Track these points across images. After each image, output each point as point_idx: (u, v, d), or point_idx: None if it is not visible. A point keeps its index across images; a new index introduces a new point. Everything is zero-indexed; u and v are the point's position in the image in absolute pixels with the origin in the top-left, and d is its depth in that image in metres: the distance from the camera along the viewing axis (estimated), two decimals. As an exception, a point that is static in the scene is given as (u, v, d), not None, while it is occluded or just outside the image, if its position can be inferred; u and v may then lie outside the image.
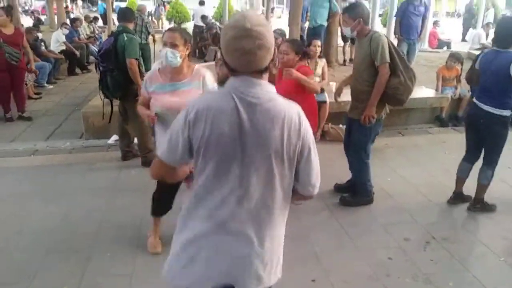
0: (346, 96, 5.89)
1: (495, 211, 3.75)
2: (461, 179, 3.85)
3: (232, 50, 1.40)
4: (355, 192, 3.89)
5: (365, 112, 3.51)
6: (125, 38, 4.30)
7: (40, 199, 3.91)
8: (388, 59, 3.33)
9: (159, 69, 2.84)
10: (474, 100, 3.64)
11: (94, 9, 30.64)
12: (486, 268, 3.04)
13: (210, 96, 1.58)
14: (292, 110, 1.48)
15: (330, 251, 3.18)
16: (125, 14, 4.66)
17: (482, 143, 3.66)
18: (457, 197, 3.87)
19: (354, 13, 3.42)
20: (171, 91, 2.75)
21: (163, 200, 3.07)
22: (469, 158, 3.80)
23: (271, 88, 1.49)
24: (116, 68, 4.31)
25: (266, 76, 1.48)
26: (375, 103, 3.44)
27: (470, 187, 3.83)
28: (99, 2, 27.55)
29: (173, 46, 2.67)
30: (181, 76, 2.78)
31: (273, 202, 1.53)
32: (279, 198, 1.54)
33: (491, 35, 12.43)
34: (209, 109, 1.43)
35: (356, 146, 3.75)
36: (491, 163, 3.63)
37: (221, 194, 1.49)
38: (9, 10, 6.66)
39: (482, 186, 3.70)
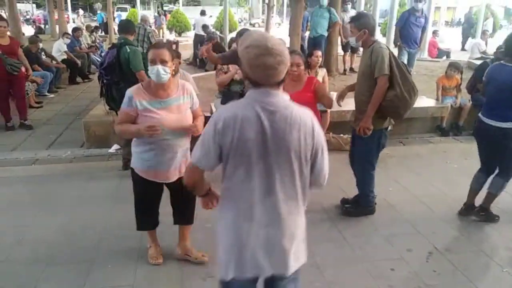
0: (348, 105, 5.91)
1: (497, 222, 3.73)
2: (474, 190, 3.79)
3: (255, 66, 1.63)
4: (357, 202, 3.87)
5: (361, 123, 3.50)
6: (128, 51, 4.34)
7: (40, 210, 3.89)
8: (386, 71, 3.30)
9: (142, 85, 2.77)
10: (480, 115, 3.62)
11: (95, 18, 30.86)
12: (489, 279, 3.02)
13: (235, 105, 1.72)
14: (306, 116, 1.73)
15: (332, 262, 3.15)
16: (126, 26, 4.69)
17: (495, 155, 3.63)
18: (469, 209, 3.82)
19: (360, 23, 3.41)
20: (165, 107, 2.71)
21: (146, 214, 3.04)
22: (486, 170, 3.75)
23: (287, 97, 1.73)
24: (122, 80, 4.35)
25: (282, 86, 1.71)
26: (371, 114, 3.43)
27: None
28: (98, 12, 27.76)
29: (163, 62, 2.63)
30: (169, 91, 2.74)
31: (295, 195, 1.78)
32: (299, 192, 1.79)
33: (490, 43, 12.54)
34: (236, 118, 1.65)
35: (359, 157, 3.75)
36: (505, 173, 3.63)
37: (250, 192, 1.72)
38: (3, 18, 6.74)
39: (491, 195, 3.70)
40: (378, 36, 15.80)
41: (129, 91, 2.71)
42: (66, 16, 22.97)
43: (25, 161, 5.24)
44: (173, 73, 2.76)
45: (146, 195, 2.96)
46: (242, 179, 1.71)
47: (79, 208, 3.93)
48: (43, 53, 9.25)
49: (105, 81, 4.48)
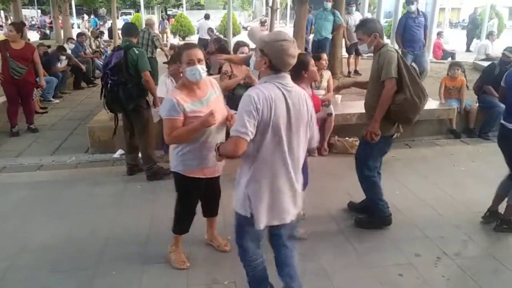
0: (352, 108, 5.89)
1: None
2: (500, 196, 3.67)
3: (287, 55, 2.08)
4: (371, 213, 3.72)
5: (368, 128, 3.42)
6: (136, 52, 4.40)
7: (45, 215, 3.88)
8: (393, 74, 3.22)
9: (178, 89, 2.80)
10: (502, 121, 3.55)
11: (100, 23, 31.03)
12: (499, 284, 2.97)
13: (265, 87, 2.11)
14: (304, 92, 2.28)
15: (339, 268, 3.11)
16: (131, 29, 4.73)
17: None
18: (492, 215, 3.72)
19: (368, 29, 3.35)
20: (205, 105, 2.77)
21: (190, 216, 3.08)
22: None
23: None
24: (129, 80, 4.40)
25: None
26: (378, 119, 3.33)
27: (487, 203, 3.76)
28: (92, 17, 27.91)
29: (200, 61, 2.71)
30: (204, 88, 2.83)
31: (303, 153, 2.33)
32: (305, 150, 2.35)
33: (494, 45, 12.43)
34: (271, 98, 2.07)
35: (358, 160, 3.67)
36: None
37: (276, 157, 2.18)
38: (21, 26, 6.73)
39: (500, 198, 3.65)
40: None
41: (170, 98, 2.69)
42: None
43: (29, 167, 5.24)
44: None
45: (193, 196, 3.02)
46: (273, 147, 2.15)
47: (83, 214, 3.91)
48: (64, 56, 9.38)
49: (110, 81, 4.46)
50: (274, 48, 2.07)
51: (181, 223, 3.10)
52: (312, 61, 3.43)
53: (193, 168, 2.86)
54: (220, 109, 2.84)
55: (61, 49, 9.64)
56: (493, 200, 3.72)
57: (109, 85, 4.48)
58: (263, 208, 2.24)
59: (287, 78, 2.15)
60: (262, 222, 2.26)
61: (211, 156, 2.81)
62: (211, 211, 3.28)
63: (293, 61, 2.12)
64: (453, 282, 2.98)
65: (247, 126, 2.05)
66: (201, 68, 2.70)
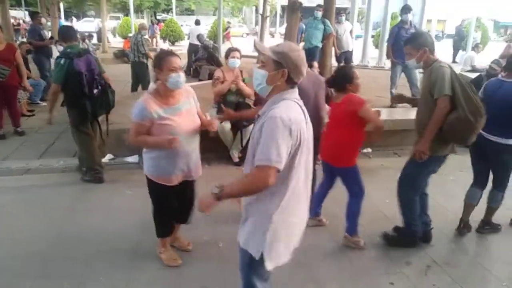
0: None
1: (495, 235, 3.75)
2: (470, 205, 3.74)
3: (303, 65, 1.94)
4: (401, 231, 3.59)
5: (417, 146, 3.20)
6: (96, 57, 4.68)
7: (32, 220, 3.81)
8: (447, 91, 2.99)
9: (150, 94, 2.82)
10: (481, 131, 3.59)
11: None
12: (488, 293, 3.00)
13: (288, 106, 1.92)
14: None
15: (331, 276, 3.11)
16: (71, 33, 4.69)
17: (490, 170, 3.64)
18: (465, 227, 3.78)
19: (418, 43, 3.18)
20: (178, 113, 2.80)
21: (167, 219, 3.11)
22: (479, 184, 3.72)
23: None
24: (109, 85, 4.64)
25: None
26: (429, 139, 3.11)
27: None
28: (59, 20, 27.56)
29: (180, 69, 2.76)
30: (178, 97, 2.86)
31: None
32: None
33: (480, 57, 12.67)
34: (297, 120, 1.88)
35: (404, 181, 3.45)
36: (501, 186, 3.64)
37: (301, 183, 2.02)
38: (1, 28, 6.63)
39: (492, 209, 3.73)
40: (371, 48, 15.98)
41: (141, 102, 2.74)
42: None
43: (16, 170, 5.14)
44: None
45: (166, 200, 3.01)
46: (301, 174, 1.99)
47: (71, 219, 3.85)
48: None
49: (100, 87, 4.48)
50: (292, 59, 1.90)
51: (162, 226, 3.13)
52: (356, 74, 3.40)
53: (163, 175, 2.88)
54: (192, 119, 2.89)
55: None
56: (464, 210, 3.77)
57: (97, 91, 4.46)
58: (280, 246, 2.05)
59: (297, 92, 2.00)
60: (279, 260, 2.07)
61: (183, 163, 2.88)
62: (181, 218, 3.22)
63: (305, 72, 1.96)
64: (443, 290, 3.00)
65: (281, 153, 1.81)
66: (181, 76, 2.76)
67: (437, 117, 3.05)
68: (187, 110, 2.87)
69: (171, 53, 2.86)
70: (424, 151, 3.15)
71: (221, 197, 1.91)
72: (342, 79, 3.37)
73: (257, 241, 2.00)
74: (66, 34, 4.59)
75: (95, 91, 4.42)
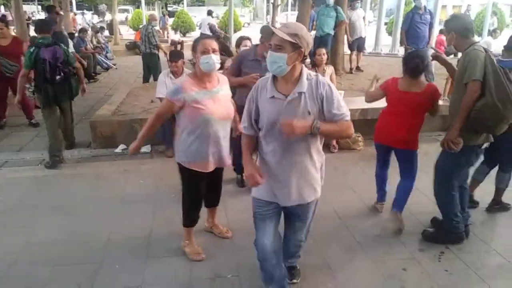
0: (354, 104, 5.85)
1: (508, 221, 3.73)
2: (475, 181, 3.83)
3: (311, 40, 2.18)
4: (440, 227, 3.47)
5: (446, 135, 3.09)
6: (64, 47, 5.04)
7: (47, 210, 3.88)
8: (477, 76, 2.84)
9: (189, 76, 2.86)
10: None
11: (101, 19, 30.96)
12: (503, 278, 2.97)
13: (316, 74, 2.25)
14: None
15: (343, 263, 3.12)
16: (46, 26, 5.10)
17: (499, 151, 3.65)
18: (470, 200, 3.79)
19: (447, 27, 3.10)
20: (211, 97, 2.79)
21: (196, 208, 3.12)
22: (488, 164, 3.80)
23: None
24: (73, 73, 5.19)
25: None
26: (458, 126, 2.98)
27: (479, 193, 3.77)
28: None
29: (215, 51, 2.73)
30: (213, 82, 2.85)
31: None
32: None
33: (497, 42, 12.38)
34: None
35: (438, 173, 3.36)
36: (506, 168, 3.72)
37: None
38: (4, 19, 6.65)
39: (501, 190, 3.82)
40: (384, 35, 15.73)
41: (178, 84, 2.81)
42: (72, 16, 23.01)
43: (31, 161, 5.23)
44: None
45: (197, 188, 3.02)
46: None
47: (86, 209, 3.91)
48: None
49: (62, 74, 4.90)
50: (305, 38, 2.12)
51: (190, 214, 3.13)
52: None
53: (195, 160, 2.88)
54: (226, 105, 2.89)
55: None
56: (470, 186, 3.78)
57: (60, 78, 4.89)
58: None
59: None
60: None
61: (214, 149, 2.87)
62: (212, 201, 3.33)
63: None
64: (457, 276, 2.97)
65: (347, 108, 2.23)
66: (215, 58, 2.73)
67: (466, 103, 2.91)
68: (223, 95, 2.87)
69: (207, 36, 2.91)
70: (452, 139, 3.02)
71: (317, 130, 2.14)
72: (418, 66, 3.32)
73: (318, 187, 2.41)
74: (40, 26, 5.07)
75: (57, 77, 4.87)
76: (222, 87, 2.89)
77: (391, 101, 3.54)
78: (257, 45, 4.00)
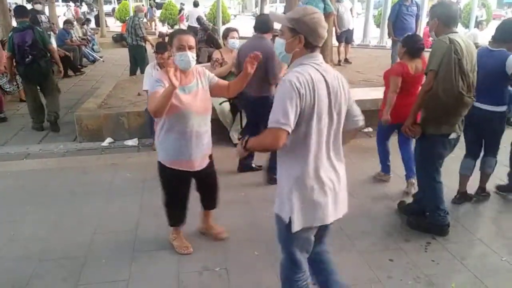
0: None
1: (493, 211, 3.77)
2: (465, 177, 3.83)
3: (322, 27, 1.91)
4: (424, 216, 3.45)
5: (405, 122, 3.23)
6: (40, 30, 5.73)
7: (32, 205, 3.82)
8: (433, 67, 2.92)
9: (162, 71, 2.74)
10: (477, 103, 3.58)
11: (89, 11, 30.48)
12: (488, 268, 3.00)
13: (303, 70, 1.89)
14: (337, 71, 2.03)
15: (331, 253, 3.12)
16: (23, 11, 5.79)
17: (482, 139, 3.71)
18: (462, 197, 3.85)
19: (432, 11, 3.10)
20: (189, 93, 2.70)
21: (179, 208, 3.02)
22: (472, 155, 3.81)
23: None
24: (45, 54, 5.75)
25: None
26: (412, 114, 3.13)
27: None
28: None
29: (191, 48, 2.63)
30: (190, 77, 2.75)
31: (340, 141, 2.08)
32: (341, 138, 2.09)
33: (483, 34, 12.48)
34: (312, 81, 1.86)
35: (416, 165, 3.51)
36: (493, 152, 3.75)
37: (320, 147, 1.97)
38: None
39: (487, 175, 3.83)
40: (372, 27, 15.75)
41: (155, 76, 2.72)
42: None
43: (16, 155, 5.15)
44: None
45: (179, 187, 2.94)
46: (317, 136, 1.94)
47: (72, 203, 3.86)
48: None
49: (31, 56, 5.53)
50: (307, 23, 1.88)
51: (173, 216, 3.06)
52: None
53: (174, 158, 2.79)
54: (204, 100, 2.78)
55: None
56: (460, 182, 3.85)
57: (28, 60, 5.55)
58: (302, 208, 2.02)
59: (320, 57, 1.96)
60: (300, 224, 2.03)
61: (196, 147, 2.78)
62: (207, 205, 3.22)
63: (326, 33, 1.93)
64: (443, 266, 3.00)
65: (289, 116, 1.82)
66: (191, 55, 2.62)
67: (420, 92, 3.04)
68: (199, 90, 2.76)
69: (183, 31, 2.77)
70: (408, 126, 3.19)
71: (245, 147, 2.03)
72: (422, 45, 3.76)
73: (285, 205, 2.02)
74: (18, 12, 5.73)
75: (26, 60, 5.57)
76: (199, 80, 2.79)
77: (406, 85, 3.73)
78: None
